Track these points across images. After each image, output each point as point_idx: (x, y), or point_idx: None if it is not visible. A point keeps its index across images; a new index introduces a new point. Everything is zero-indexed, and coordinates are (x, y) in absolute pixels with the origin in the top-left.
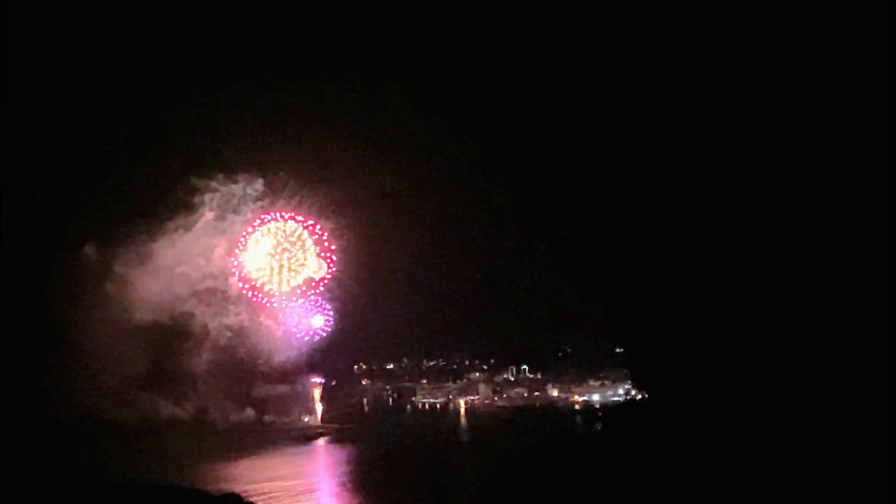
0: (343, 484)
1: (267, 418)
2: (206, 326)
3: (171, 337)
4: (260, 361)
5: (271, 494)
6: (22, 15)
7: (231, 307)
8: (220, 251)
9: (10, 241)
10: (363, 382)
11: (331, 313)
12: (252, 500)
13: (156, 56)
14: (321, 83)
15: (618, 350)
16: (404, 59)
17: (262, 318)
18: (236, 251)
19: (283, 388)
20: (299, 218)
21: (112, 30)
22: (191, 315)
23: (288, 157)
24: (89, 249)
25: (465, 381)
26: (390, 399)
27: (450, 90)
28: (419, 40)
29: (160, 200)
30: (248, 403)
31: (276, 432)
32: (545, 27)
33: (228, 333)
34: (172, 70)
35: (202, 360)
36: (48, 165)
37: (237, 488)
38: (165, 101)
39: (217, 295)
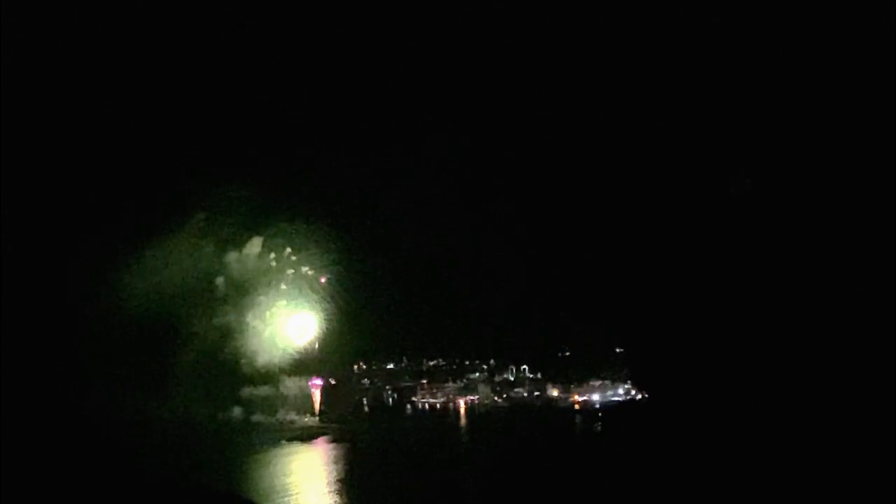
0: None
1: (255, 418)
2: (193, 326)
3: (159, 337)
4: (243, 361)
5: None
6: (17, 14)
7: (219, 307)
8: (208, 251)
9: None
10: (363, 382)
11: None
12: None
13: (149, 56)
14: (317, 85)
15: (618, 350)
16: (399, 60)
17: (249, 318)
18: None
19: (274, 388)
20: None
21: (107, 30)
22: (178, 315)
23: (284, 159)
24: (79, 249)
25: (465, 381)
26: (390, 399)
27: (449, 88)
28: (413, 45)
29: (151, 200)
30: (238, 403)
31: (275, 432)
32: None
33: (216, 333)
34: (166, 70)
35: (190, 359)
36: (40, 165)
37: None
38: (158, 100)
39: (205, 295)
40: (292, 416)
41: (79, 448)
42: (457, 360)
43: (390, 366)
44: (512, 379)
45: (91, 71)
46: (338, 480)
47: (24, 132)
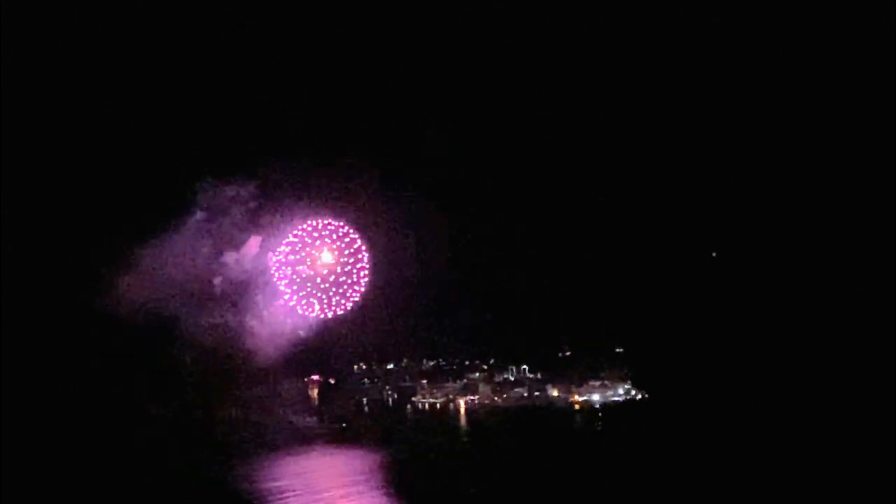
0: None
1: (252, 418)
2: (190, 326)
3: (156, 337)
4: (239, 361)
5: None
6: (16, 12)
7: (216, 307)
8: (206, 251)
9: None
10: (363, 382)
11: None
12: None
13: (146, 53)
14: (316, 80)
15: (618, 350)
16: (405, 57)
17: (247, 318)
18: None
19: (270, 388)
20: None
21: (103, 29)
22: (176, 315)
23: (284, 158)
24: (74, 249)
25: (465, 381)
26: (390, 399)
27: (452, 87)
28: (421, 37)
29: (149, 200)
30: (234, 403)
31: (275, 432)
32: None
33: (214, 334)
34: (164, 66)
35: (187, 359)
36: (35, 165)
37: None
38: (156, 97)
39: (202, 295)
40: (290, 415)
41: (78, 449)
42: (457, 360)
43: (390, 366)
44: (512, 379)
45: (89, 70)
46: (341, 483)
47: (22, 132)
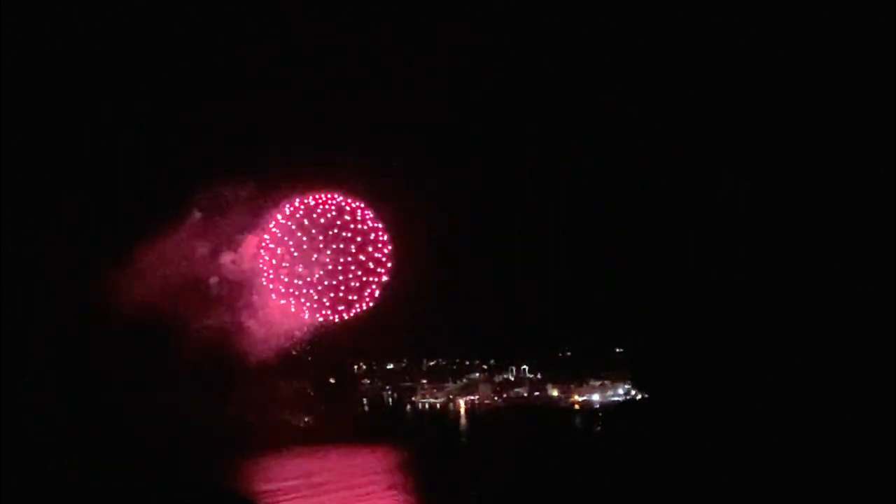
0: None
1: (249, 418)
2: (188, 327)
3: (154, 337)
4: (236, 361)
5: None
6: (15, 12)
7: (214, 308)
8: (203, 252)
9: None
10: (363, 382)
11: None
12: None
13: (142, 52)
14: (314, 80)
15: (618, 350)
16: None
17: (244, 319)
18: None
19: (268, 388)
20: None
21: (101, 29)
22: (173, 316)
23: (282, 158)
24: (70, 248)
25: (465, 381)
26: (390, 399)
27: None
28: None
29: (146, 200)
30: (232, 403)
31: (274, 433)
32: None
33: (211, 334)
34: (161, 66)
35: (185, 360)
36: (30, 164)
37: None
38: (153, 97)
39: (200, 296)
40: (287, 415)
41: (76, 450)
42: (457, 360)
43: (390, 366)
44: (512, 379)
45: (86, 68)
46: (345, 485)
47: (21, 131)
